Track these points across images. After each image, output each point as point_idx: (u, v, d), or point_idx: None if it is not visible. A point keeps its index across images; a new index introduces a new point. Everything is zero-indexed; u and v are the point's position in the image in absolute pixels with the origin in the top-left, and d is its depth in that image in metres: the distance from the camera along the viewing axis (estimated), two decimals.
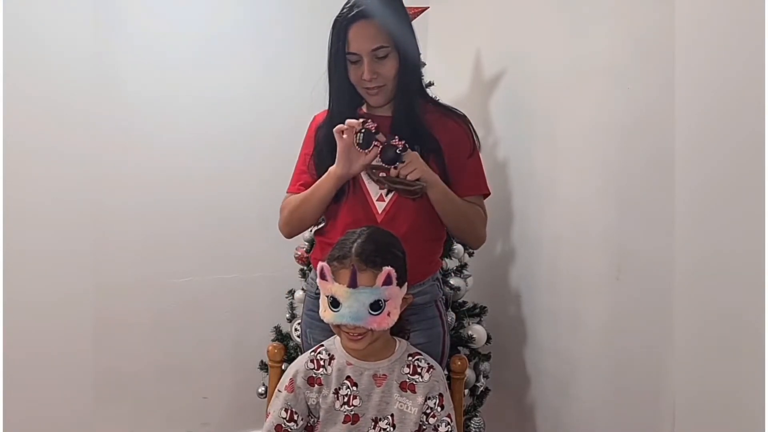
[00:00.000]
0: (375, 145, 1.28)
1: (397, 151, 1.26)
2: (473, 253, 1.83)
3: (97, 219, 2.03)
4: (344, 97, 1.38)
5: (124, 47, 2.05)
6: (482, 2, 2.08)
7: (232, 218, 2.22)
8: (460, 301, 1.80)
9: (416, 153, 1.29)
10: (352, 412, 1.19)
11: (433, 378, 1.21)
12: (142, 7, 2.06)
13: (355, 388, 1.19)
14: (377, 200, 1.37)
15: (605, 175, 1.49)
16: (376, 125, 1.30)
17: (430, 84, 1.75)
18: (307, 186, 1.41)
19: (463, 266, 1.80)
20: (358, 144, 1.27)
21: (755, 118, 1.04)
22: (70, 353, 2.00)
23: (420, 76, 1.44)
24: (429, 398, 1.20)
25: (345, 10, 1.32)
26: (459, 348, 1.72)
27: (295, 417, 1.19)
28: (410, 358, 1.22)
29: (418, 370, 1.21)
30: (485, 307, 1.81)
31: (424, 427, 1.19)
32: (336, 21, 1.33)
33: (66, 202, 1.98)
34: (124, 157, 2.06)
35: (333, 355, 1.22)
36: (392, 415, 1.18)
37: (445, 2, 2.23)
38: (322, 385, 1.20)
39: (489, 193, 1.47)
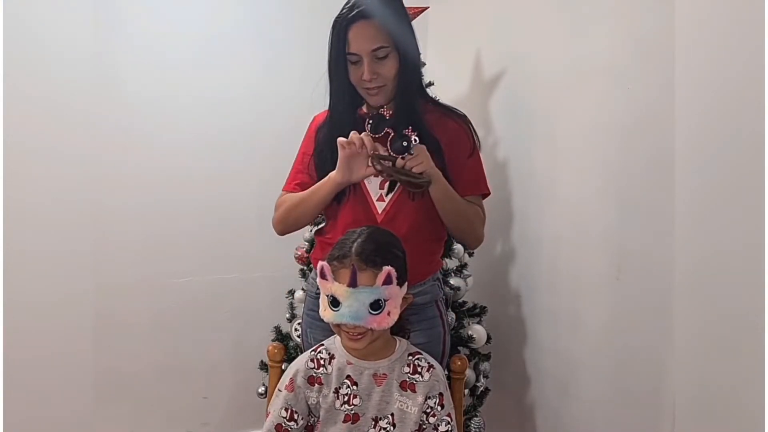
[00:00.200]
0: (386, 132, 1.27)
1: (408, 141, 1.25)
2: (473, 253, 1.84)
3: (97, 219, 2.03)
4: (344, 98, 1.38)
5: (124, 47, 2.05)
6: (482, 2, 2.08)
7: (232, 218, 2.23)
8: (460, 301, 1.80)
9: (424, 147, 1.27)
10: (353, 412, 1.19)
11: (434, 377, 1.21)
12: (142, 7, 2.06)
13: (355, 387, 1.19)
14: (377, 200, 1.37)
15: (605, 175, 1.49)
16: (391, 112, 1.29)
17: (430, 84, 1.75)
18: (303, 186, 1.41)
19: (463, 266, 1.80)
20: (368, 128, 1.26)
21: (755, 118, 1.04)
22: (70, 353, 2.00)
23: (420, 76, 1.44)
24: (429, 397, 1.20)
25: (345, 11, 1.32)
26: (459, 348, 1.72)
27: (296, 416, 1.19)
28: (410, 357, 1.23)
29: (419, 369, 1.21)
30: (485, 307, 1.81)
31: (424, 426, 1.20)
32: (336, 21, 1.32)
33: (66, 202, 1.98)
34: (124, 157, 2.06)
35: (333, 355, 1.22)
36: (392, 415, 1.18)
37: (445, 2, 2.23)
38: (322, 384, 1.20)
39: (489, 193, 1.47)
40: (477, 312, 1.80)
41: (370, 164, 1.26)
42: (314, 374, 1.21)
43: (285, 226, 1.45)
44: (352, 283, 1.09)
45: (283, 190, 1.47)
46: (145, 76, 2.08)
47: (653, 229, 1.34)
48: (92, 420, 2.05)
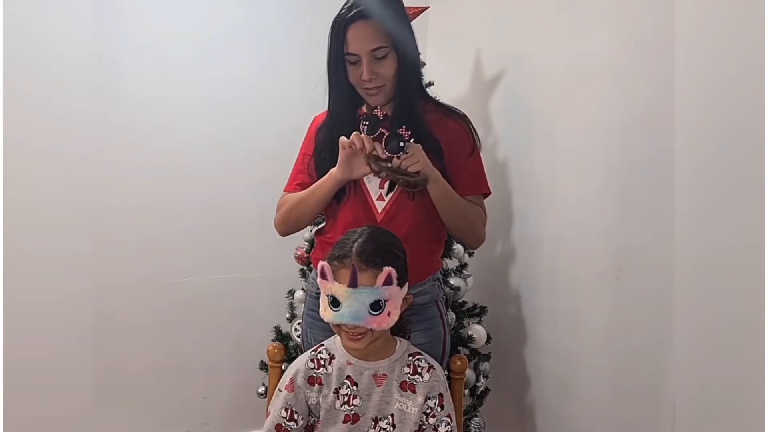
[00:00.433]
0: (381, 132, 1.28)
1: (403, 141, 1.25)
2: (473, 253, 1.84)
3: (97, 219, 2.03)
4: (344, 98, 1.38)
5: (124, 47, 2.05)
6: (482, 2, 2.08)
7: (232, 218, 2.23)
8: (460, 301, 1.80)
9: (419, 146, 1.28)
10: (352, 412, 1.19)
11: (434, 378, 1.21)
12: (142, 7, 2.06)
13: (355, 387, 1.19)
14: (377, 200, 1.37)
15: (605, 175, 1.49)
16: (384, 113, 1.30)
17: (430, 84, 1.75)
18: (303, 186, 1.42)
19: (463, 266, 1.80)
20: (364, 130, 1.26)
21: (755, 118, 1.04)
22: (70, 353, 2.00)
23: (420, 75, 1.44)
24: (429, 398, 1.20)
25: (344, 11, 1.31)
26: (459, 348, 1.72)
27: (296, 416, 1.19)
28: (410, 357, 1.23)
29: (419, 369, 1.21)
30: (485, 307, 1.81)
31: (424, 426, 1.20)
32: (335, 21, 1.32)
33: (66, 202, 1.98)
34: (124, 157, 2.06)
35: (333, 355, 1.22)
36: (392, 415, 1.18)
37: (445, 2, 2.23)
38: (322, 384, 1.20)
39: (489, 193, 1.47)
40: (477, 312, 1.80)
41: (367, 164, 1.27)
42: (314, 374, 1.21)
43: (287, 226, 1.45)
44: (353, 284, 1.09)
45: (284, 191, 1.48)
46: (145, 76, 2.08)
47: (653, 229, 1.34)
48: (92, 420, 2.05)
